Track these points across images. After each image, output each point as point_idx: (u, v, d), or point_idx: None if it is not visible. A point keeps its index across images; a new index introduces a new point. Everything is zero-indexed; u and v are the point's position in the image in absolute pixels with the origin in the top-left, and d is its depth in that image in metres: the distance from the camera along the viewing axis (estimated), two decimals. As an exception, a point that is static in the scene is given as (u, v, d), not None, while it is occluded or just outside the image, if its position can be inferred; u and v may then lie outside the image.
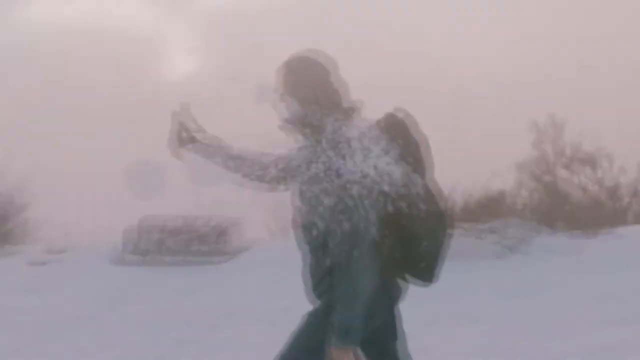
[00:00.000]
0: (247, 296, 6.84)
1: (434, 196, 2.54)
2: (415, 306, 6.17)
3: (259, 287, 7.11)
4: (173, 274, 8.10)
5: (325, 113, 2.52)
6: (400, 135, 2.54)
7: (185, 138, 2.79)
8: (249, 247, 9.11)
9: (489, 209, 9.52)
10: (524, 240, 8.71)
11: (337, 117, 2.51)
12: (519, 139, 10.77)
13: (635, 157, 10.38)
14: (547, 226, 9.27)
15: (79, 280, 7.92)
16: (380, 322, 2.52)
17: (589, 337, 5.24)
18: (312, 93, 2.56)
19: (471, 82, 12.43)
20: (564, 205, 10.34)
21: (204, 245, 9.16)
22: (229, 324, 5.91)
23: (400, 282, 2.58)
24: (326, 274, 2.46)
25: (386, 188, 2.42)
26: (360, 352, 2.50)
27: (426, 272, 2.55)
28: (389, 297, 2.55)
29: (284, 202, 2.70)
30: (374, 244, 2.37)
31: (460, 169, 9.36)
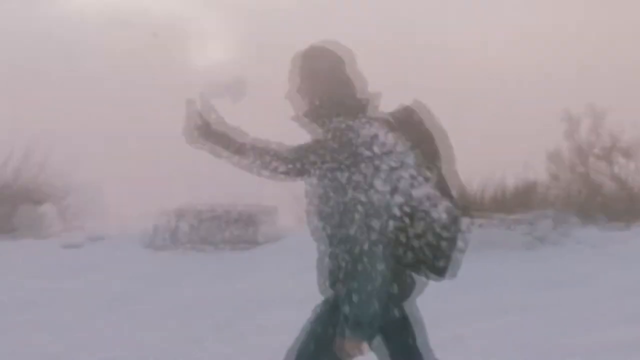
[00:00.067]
0: (281, 283, 6.90)
1: (449, 193, 2.49)
2: (446, 297, 6.22)
3: (293, 275, 7.18)
4: (207, 260, 8.19)
5: (337, 107, 2.49)
6: (413, 128, 2.52)
7: (202, 127, 2.71)
8: (283, 235, 9.20)
9: (520, 200, 9.46)
10: (555, 232, 8.65)
11: (349, 111, 2.49)
12: (552, 130, 10.65)
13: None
14: (580, 218, 9.19)
15: (114, 264, 8.05)
16: (395, 316, 2.51)
17: (619, 331, 5.20)
18: (326, 85, 2.54)
19: (502, 72, 12.31)
20: (597, 197, 10.21)
21: (237, 232, 9.28)
22: (262, 310, 5.99)
23: (416, 277, 2.55)
24: (339, 265, 2.46)
25: (398, 198, 2.40)
26: (376, 344, 2.51)
27: (440, 269, 2.50)
28: (402, 291, 2.52)
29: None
30: (385, 239, 2.36)
31: (491, 160, 9.33)
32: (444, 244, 2.47)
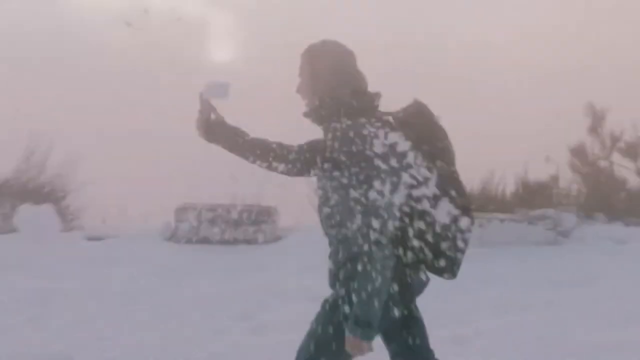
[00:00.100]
0: (280, 283, 6.92)
1: (449, 193, 2.49)
2: (466, 292, 6.21)
3: (292, 275, 7.19)
4: (206, 260, 8.21)
5: (337, 107, 2.49)
6: (424, 123, 2.53)
7: (214, 122, 2.73)
8: (283, 235, 9.23)
9: (541, 195, 9.44)
10: (577, 227, 8.62)
11: (350, 111, 2.48)
12: (551, 129, 10.65)
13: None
14: (603, 213, 9.16)
15: (135, 256, 8.17)
16: (399, 316, 2.51)
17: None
18: (327, 85, 2.54)
19: (502, 72, 12.31)
20: (620, 193, 10.17)
21: (237, 232, 9.29)
22: (261, 310, 6.00)
23: (423, 275, 2.56)
24: (343, 264, 2.47)
25: (398, 198, 2.39)
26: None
27: (440, 269, 2.50)
28: (409, 291, 2.52)
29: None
30: (385, 239, 2.34)
31: (491, 160, 9.31)
32: (444, 244, 2.46)
